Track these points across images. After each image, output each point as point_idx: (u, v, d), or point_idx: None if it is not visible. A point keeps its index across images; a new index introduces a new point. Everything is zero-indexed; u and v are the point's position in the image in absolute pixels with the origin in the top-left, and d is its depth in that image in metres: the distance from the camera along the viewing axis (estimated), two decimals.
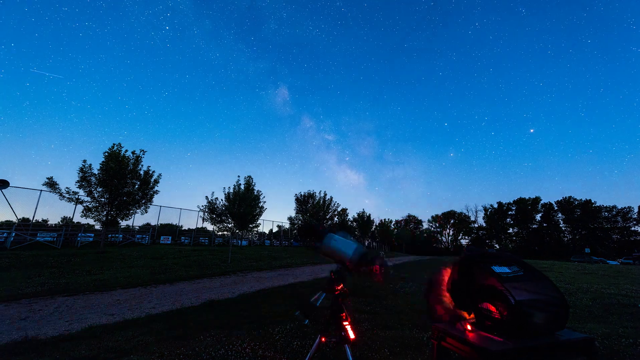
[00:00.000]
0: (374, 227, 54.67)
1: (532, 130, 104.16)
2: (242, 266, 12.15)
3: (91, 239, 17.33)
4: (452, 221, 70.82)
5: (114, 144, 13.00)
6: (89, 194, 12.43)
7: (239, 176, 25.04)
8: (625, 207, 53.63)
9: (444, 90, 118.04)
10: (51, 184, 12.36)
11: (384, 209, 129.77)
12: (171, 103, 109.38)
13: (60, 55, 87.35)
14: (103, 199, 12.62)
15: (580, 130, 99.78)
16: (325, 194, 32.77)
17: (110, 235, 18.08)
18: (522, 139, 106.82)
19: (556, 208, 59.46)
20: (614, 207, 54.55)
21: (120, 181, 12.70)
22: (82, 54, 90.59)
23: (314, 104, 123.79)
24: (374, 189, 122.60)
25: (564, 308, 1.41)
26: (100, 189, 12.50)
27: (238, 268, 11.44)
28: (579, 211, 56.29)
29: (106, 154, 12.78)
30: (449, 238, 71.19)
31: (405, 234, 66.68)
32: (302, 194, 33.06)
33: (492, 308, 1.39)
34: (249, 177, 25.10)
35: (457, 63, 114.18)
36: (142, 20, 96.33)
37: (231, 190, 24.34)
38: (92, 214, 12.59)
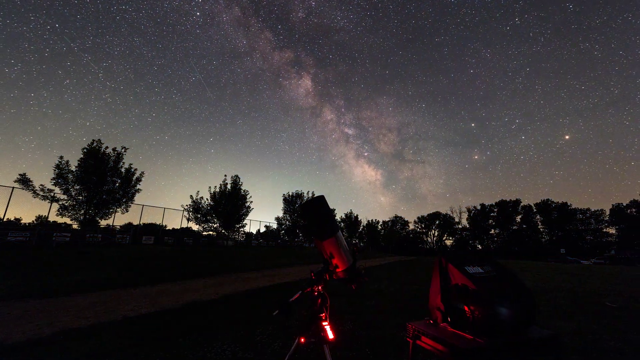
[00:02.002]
0: (361, 227, 55.18)
1: (567, 137, 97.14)
2: (228, 267, 11.96)
3: (68, 239, 16.60)
4: (437, 222, 72.44)
5: (93, 140, 12.54)
6: (66, 191, 11.90)
7: (225, 175, 24.64)
8: (597, 210, 56.66)
9: (474, 89, 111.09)
10: (24, 181, 11.75)
11: (400, 207, 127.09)
12: (197, 89, 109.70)
13: (99, 37, 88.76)
14: (81, 197, 12.11)
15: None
16: (314, 194, 32.76)
17: (88, 235, 17.37)
18: (555, 145, 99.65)
19: (535, 210, 61.96)
20: (588, 209, 57.50)
21: (100, 179, 12.23)
22: (118, 37, 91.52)
23: (336, 97, 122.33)
24: (391, 187, 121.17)
25: (532, 307, 1.47)
26: (78, 187, 11.99)
27: (224, 269, 11.25)
28: (556, 213, 58.89)
29: (85, 150, 12.28)
30: (434, 239, 72.79)
31: (392, 235, 67.67)
32: (290, 194, 32.92)
33: (465, 307, 1.43)
34: (236, 176, 24.83)
35: (492, 61, 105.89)
36: (174, 6, 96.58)
37: (217, 190, 24.00)
38: (69, 212, 12.07)
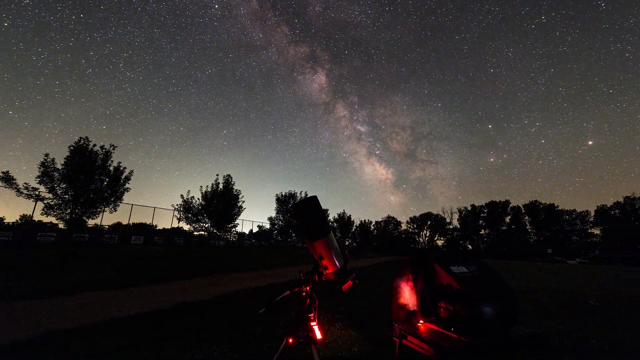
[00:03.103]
0: (354, 227, 55.38)
1: (590, 143, 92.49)
2: (220, 267, 11.83)
3: (53, 239, 16.16)
4: (429, 222, 73.26)
5: (80, 138, 12.22)
6: (51, 190, 11.58)
7: (217, 175, 24.41)
8: (583, 211, 58.27)
9: (493, 89, 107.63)
10: (6, 179, 11.38)
11: (410, 208, 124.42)
12: (212, 81, 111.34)
13: (121, 28, 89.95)
14: (67, 196, 11.80)
15: None
16: (306, 194, 32.74)
17: (74, 235, 16.95)
18: (577, 150, 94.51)
19: (524, 211, 63.29)
20: (574, 210, 59.06)
21: (87, 177, 11.94)
22: (139, 28, 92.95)
23: (350, 93, 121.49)
24: (401, 187, 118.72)
25: (515, 305, 1.51)
26: (64, 185, 11.68)
27: (215, 269, 11.13)
28: (544, 214, 60.28)
29: (72, 148, 11.97)
30: (426, 239, 73.59)
31: (385, 235, 68.12)
32: (283, 193, 32.82)
33: (450, 306, 1.45)
34: (228, 175, 24.60)
35: (514, 60, 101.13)
36: None
37: (209, 189, 23.72)
38: (55, 211, 11.75)
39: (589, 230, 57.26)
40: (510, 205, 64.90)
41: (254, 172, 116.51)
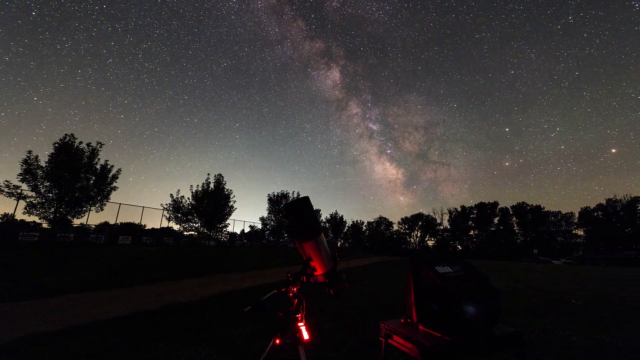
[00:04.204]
0: (346, 228, 55.59)
1: (613, 151, 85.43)
2: (210, 267, 11.68)
3: (36, 239, 15.64)
4: (420, 223, 74.14)
5: (66, 135, 11.88)
6: (34, 188, 11.21)
7: (208, 174, 24.14)
8: (568, 213, 60.10)
9: (513, 91, 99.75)
10: None
11: (419, 209, 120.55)
12: (227, 74, 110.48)
13: (141, 20, 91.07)
14: (51, 195, 11.44)
15: None
16: (299, 194, 32.69)
17: (59, 235, 16.46)
18: (599, 158, 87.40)
19: (511, 213, 64.77)
20: (559, 212, 60.82)
21: (73, 175, 11.61)
22: (158, 20, 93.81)
23: (364, 91, 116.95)
24: (412, 187, 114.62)
25: (498, 305, 1.54)
26: (48, 184, 11.33)
27: (205, 270, 10.98)
28: (530, 215, 61.83)
29: (57, 145, 11.61)
30: (417, 239, 74.44)
31: (377, 236, 68.55)
32: (275, 194, 32.69)
33: (434, 306, 1.47)
34: (220, 175, 24.34)
35: (536, 62, 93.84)
36: None
37: (200, 189, 23.41)
38: (38, 210, 11.37)
39: (574, 232, 59.05)
40: (499, 206, 66.33)
41: (264, 167, 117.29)
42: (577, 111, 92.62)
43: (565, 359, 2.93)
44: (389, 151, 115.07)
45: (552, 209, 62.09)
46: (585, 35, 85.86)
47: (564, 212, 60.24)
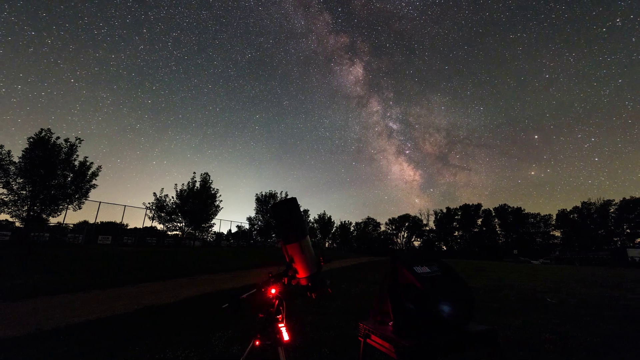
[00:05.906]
0: (334, 228, 55.78)
1: None
2: (194, 268, 11.43)
3: (8, 238, 14.82)
4: (406, 224, 75.35)
5: (42, 129, 11.31)
6: (6, 185, 10.62)
7: (194, 173, 23.68)
8: (546, 215, 62.75)
9: (546, 97, 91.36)
10: None
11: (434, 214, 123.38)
12: (251, 65, 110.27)
13: (172, 8, 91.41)
14: (24, 192, 10.88)
15: None
16: (287, 194, 32.53)
17: (33, 234, 15.67)
18: (636, 174, 78.93)
19: (494, 214, 66.92)
20: (538, 214, 63.37)
21: (49, 172, 11.09)
22: (188, 9, 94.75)
23: (386, 88, 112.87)
24: (428, 190, 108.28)
25: (470, 304, 1.58)
26: (21, 180, 10.76)
27: (189, 270, 10.73)
28: (511, 217, 64.11)
29: (31, 140, 11.05)
30: (404, 240, 75.60)
31: (364, 236, 69.16)
32: (263, 193, 32.39)
33: (411, 305, 1.49)
34: (206, 174, 23.87)
35: (575, 67, 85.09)
36: None
37: (184, 188, 22.89)
38: (9, 208, 10.79)
39: (551, 233, 61.66)
40: (482, 208, 68.39)
41: (281, 160, 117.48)
42: (616, 122, 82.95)
43: (538, 356, 3.04)
44: (407, 152, 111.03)
45: (531, 211, 64.63)
46: (633, 39, 75.57)
47: (542, 214, 62.86)
